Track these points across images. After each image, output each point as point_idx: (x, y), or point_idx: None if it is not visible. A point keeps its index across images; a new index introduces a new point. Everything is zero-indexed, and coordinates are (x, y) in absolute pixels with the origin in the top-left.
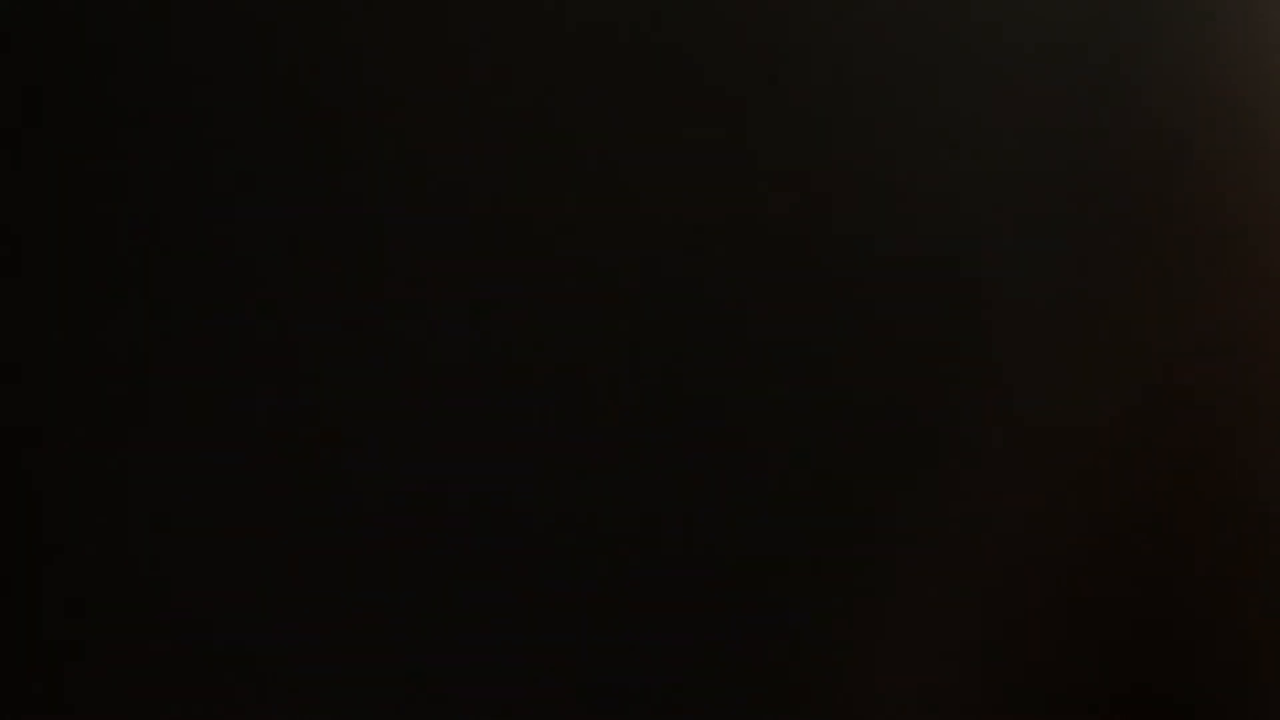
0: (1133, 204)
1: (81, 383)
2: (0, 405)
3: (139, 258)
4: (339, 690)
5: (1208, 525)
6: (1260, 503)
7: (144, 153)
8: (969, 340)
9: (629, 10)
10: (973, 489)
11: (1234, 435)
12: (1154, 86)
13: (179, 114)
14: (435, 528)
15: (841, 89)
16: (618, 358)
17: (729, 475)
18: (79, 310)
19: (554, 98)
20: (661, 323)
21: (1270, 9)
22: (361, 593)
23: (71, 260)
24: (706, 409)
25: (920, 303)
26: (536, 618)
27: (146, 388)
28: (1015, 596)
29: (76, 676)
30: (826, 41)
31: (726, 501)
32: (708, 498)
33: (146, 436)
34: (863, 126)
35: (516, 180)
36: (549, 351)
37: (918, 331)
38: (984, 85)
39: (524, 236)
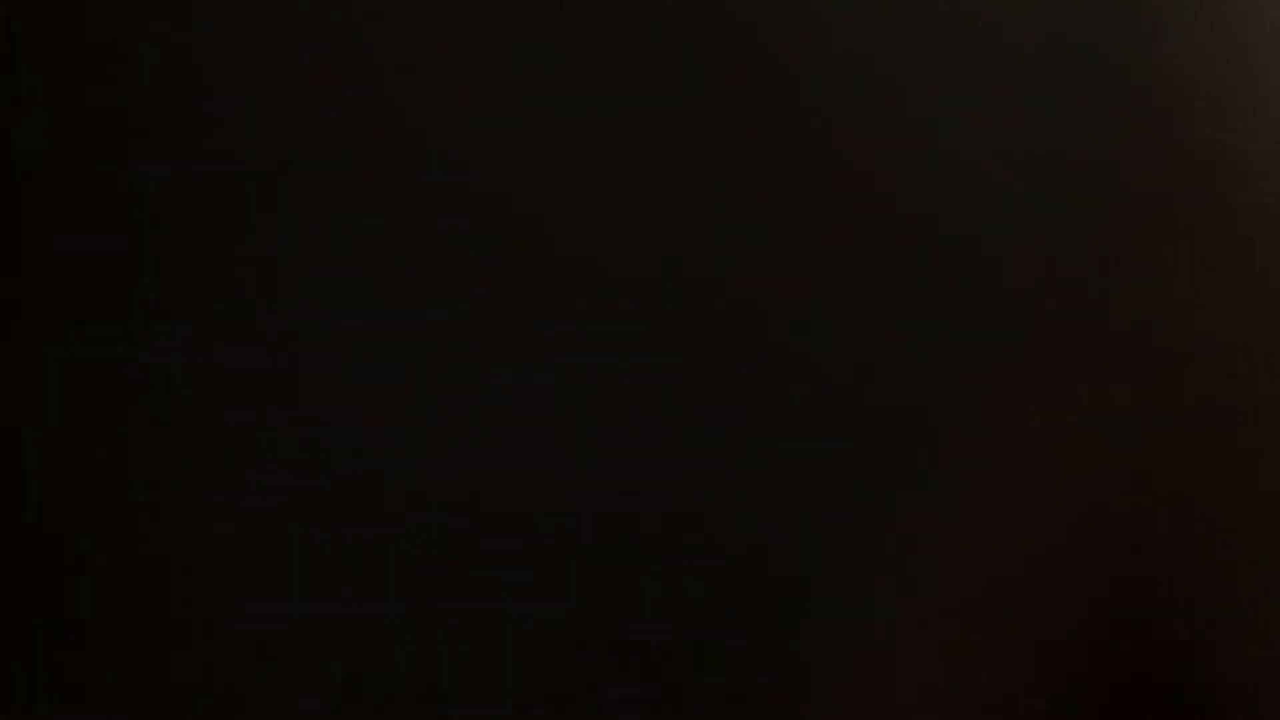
0: (1132, 202)
1: (83, 382)
2: (0, 405)
3: (140, 258)
4: (341, 690)
5: (1208, 521)
6: (1260, 497)
7: (145, 154)
8: (970, 339)
9: (632, 12)
10: (974, 488)
11: (1234, 432)
12: (1154, 86)
13: (183, 115)
14: (437, 526)
15: (842, 89)
16: (620, 356)
17: (730, 471)
18: (80, 310)
19: (558, 100)
20: (664, 321)
21: (1271, 9)
22: (363, 593)
23: (72, 260)
24: (708, 406)
25: (922, 301)
26: (538, 617)
27: (149, 388)
28: (1015, 593)
29: (78, 674)
30: (826, 42)
31: (728, 497)
32: (709, 495)
33: (149, 436)
34: (863, 126)
35: (522, 182)
36: (553, 350)
37: (920, 330)
38: (985, 85)
39: (530, 237)
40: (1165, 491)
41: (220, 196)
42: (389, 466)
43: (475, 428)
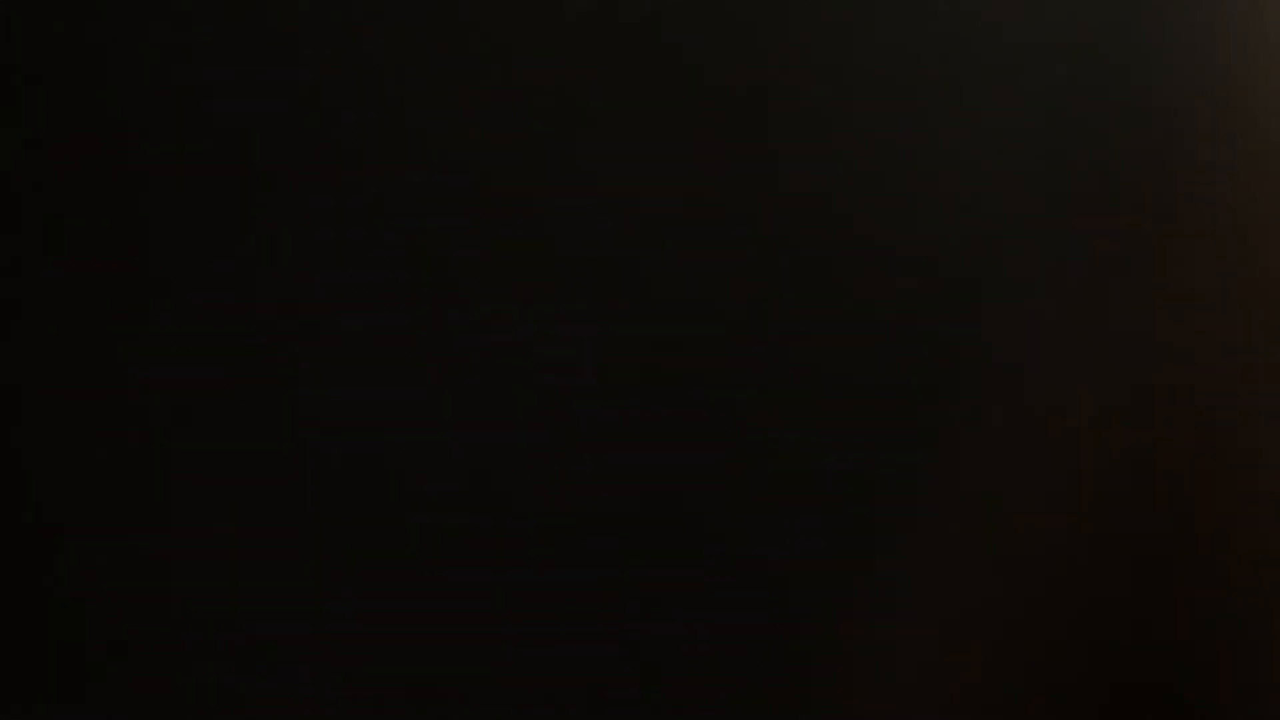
0: (1132, 202)
1: (83, 382)
2: (1, 406)
3: (140, 257)
4: (342, 689)
5: (1208, 521)
6: (1260, 497)
7: (145, 154)
8: (970, 339)
9: (635, 11)
10: (973, 488)
11: (1234, 432)
12: (1154, 86)
13: (183, 115)
14: (434, 525)
15: (842, 89)
16: (622, 353)
17: (730, 470)
18: (80, 310)
19: (559, 100)
20: (664, 320)
21: (1271, 9)
22: (363, 592)
23: (72, 260)
24: (708, 405)
25: (922, 301)
26: (539, 615)
27: (149, 387)
28: (1015, 592)
29: (78, 675)
30: (826, 42)
31: (728, 495)
32: (708, 493)
33: (149, 435)
34: (863, 126)
35: (522, 182)
36: (556, 348)
37: (920, 330)
38: (985, 85)
39: (530, 237)
40: (1165, 491)
41: (220, 196)
42: (388, 465)
43: (475, 427)
